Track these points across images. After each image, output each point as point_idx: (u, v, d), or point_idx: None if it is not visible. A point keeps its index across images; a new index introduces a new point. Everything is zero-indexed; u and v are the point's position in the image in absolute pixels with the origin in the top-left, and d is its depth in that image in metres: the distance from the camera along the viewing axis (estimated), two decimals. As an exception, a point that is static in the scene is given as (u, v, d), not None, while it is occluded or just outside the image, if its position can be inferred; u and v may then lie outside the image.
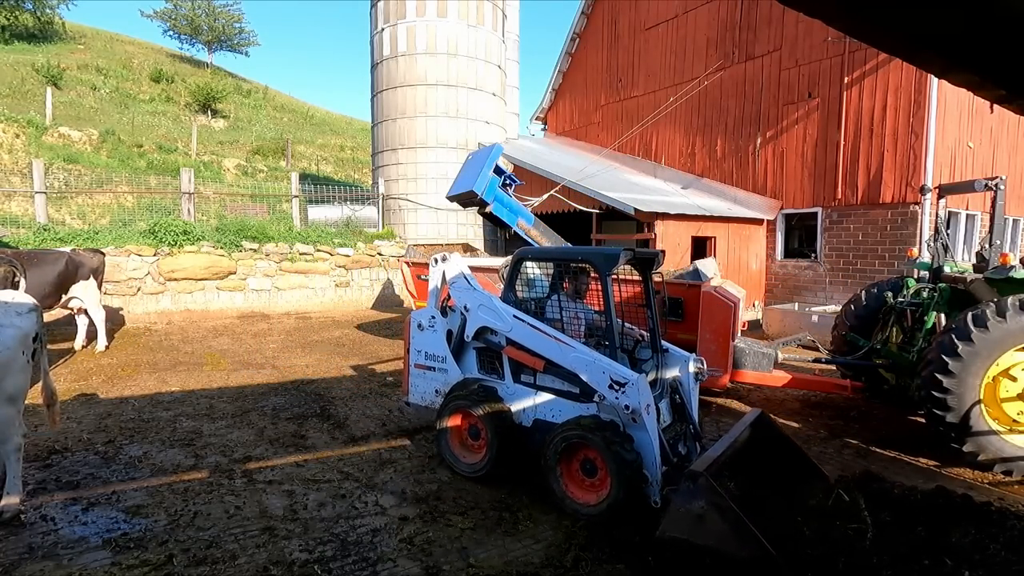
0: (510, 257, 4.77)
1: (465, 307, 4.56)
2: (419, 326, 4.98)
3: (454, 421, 4.57)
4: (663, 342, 4.51)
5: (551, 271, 4.59)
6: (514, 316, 4.26)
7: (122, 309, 11.12)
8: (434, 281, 4.98)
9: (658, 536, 3.20)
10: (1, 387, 3.62)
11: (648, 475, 3.72)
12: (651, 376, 4.26)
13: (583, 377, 3.93)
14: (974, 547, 3.20)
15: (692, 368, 4.42)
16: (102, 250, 9.23)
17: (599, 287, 4.13)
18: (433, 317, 4.88)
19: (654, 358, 4.40)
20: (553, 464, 3.95)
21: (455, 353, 4.76)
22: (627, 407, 3.69)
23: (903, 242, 10.58)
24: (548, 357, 4.10)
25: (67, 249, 8.35)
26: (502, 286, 4.72)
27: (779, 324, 10.74)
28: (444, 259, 4.93)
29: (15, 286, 6.96)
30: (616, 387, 3.75)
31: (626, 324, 4.54)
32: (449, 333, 4.80)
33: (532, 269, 4.81)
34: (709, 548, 3.01)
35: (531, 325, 4.18)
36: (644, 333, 4.56)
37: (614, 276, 4.18)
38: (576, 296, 4.58)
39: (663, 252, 4.55)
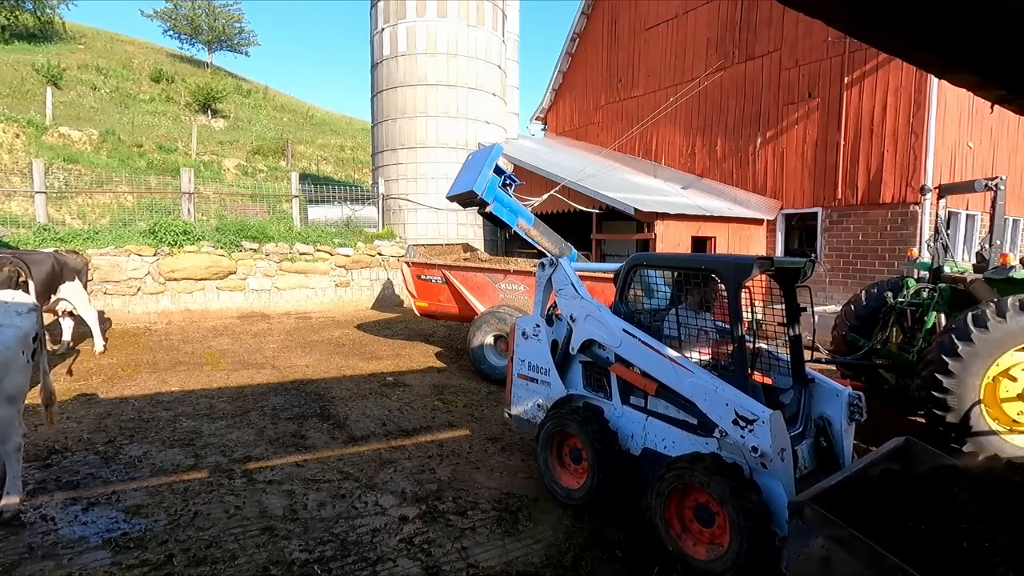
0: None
1: (571, 317, 4.17)
2: (523, 334, 4.61)
3: (554, 441, 4.24)
4: (810, 371, 3.84)
5: (673, 280, 4.05)
6: (623, 330, 3.81)
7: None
8: (539, 287, 4.59)
9: None
10: (1, 387, 3.62)
11: (778, 532, 3.09)
12: (790, 412, 3.67)
13: (701, 407, 3.40)
14: None
15: (847, 405, 3.67)
16: (83, 252, 9.07)
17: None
18: (538, 325, 4.52)
19: (795, 389, 3.77)
20: (659, 506, 3.39)
21: (559, 366, 4.38)
22: (755, 449, 3.12)
23: (903, 242, 10.58)
24: (660, 379, 3.62)
25: (49, 250, 8.26)
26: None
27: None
28: (552, 264, 4.49)
29: (19, 286, 6.94)
30: (742, 423, 3.17)
31: (764, 345, 3.92)
32: (555, 344, 4.42)
33: (651, 278, 4.30)
34: None
35: (642, 341, 3.71)
36: (782, 357, 3.88)
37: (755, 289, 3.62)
38: (702, 311, 3.99)
39: (813, 261, 3.79)
